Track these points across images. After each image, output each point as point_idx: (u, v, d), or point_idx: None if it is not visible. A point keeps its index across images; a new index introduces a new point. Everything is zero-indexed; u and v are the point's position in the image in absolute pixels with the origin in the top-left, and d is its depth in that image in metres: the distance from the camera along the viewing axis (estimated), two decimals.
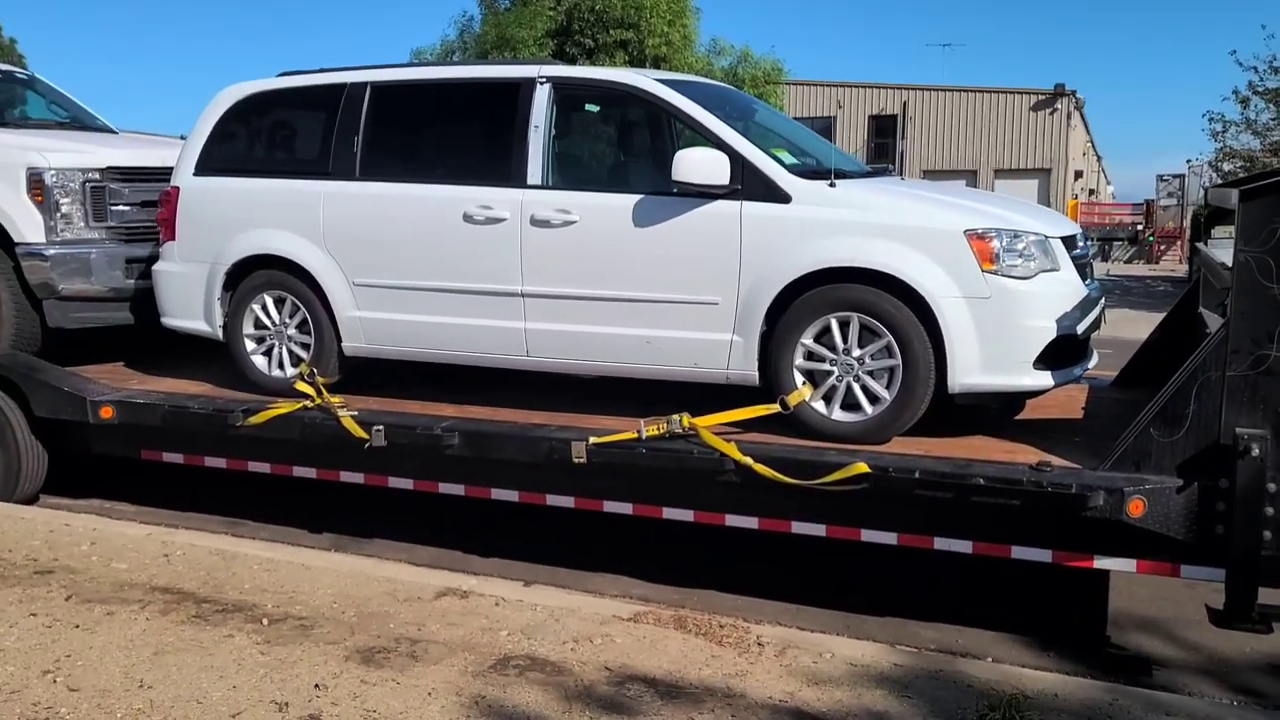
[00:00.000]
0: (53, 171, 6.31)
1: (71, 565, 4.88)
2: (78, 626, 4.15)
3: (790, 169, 4.89)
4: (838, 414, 4.75)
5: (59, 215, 6.35)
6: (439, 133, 5.85)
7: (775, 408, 4.76)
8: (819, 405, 4.77)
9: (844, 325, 4.67)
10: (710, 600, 5.06)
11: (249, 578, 4.81)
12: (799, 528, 4.79)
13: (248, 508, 6.39)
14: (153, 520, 6.11)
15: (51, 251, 6.31)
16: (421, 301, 5.52)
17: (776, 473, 4.51)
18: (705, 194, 4.84)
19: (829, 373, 4.72)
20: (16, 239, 6.33)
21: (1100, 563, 4.36)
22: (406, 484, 5.62)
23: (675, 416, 4.77)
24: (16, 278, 6.41)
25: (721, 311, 4.88)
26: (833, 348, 4.70)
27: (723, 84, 6.73)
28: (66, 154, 6.48)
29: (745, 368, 4.89)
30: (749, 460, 4.57)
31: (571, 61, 25.29)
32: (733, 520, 4.93)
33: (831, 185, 4.75)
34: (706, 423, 4.77)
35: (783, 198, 4.77)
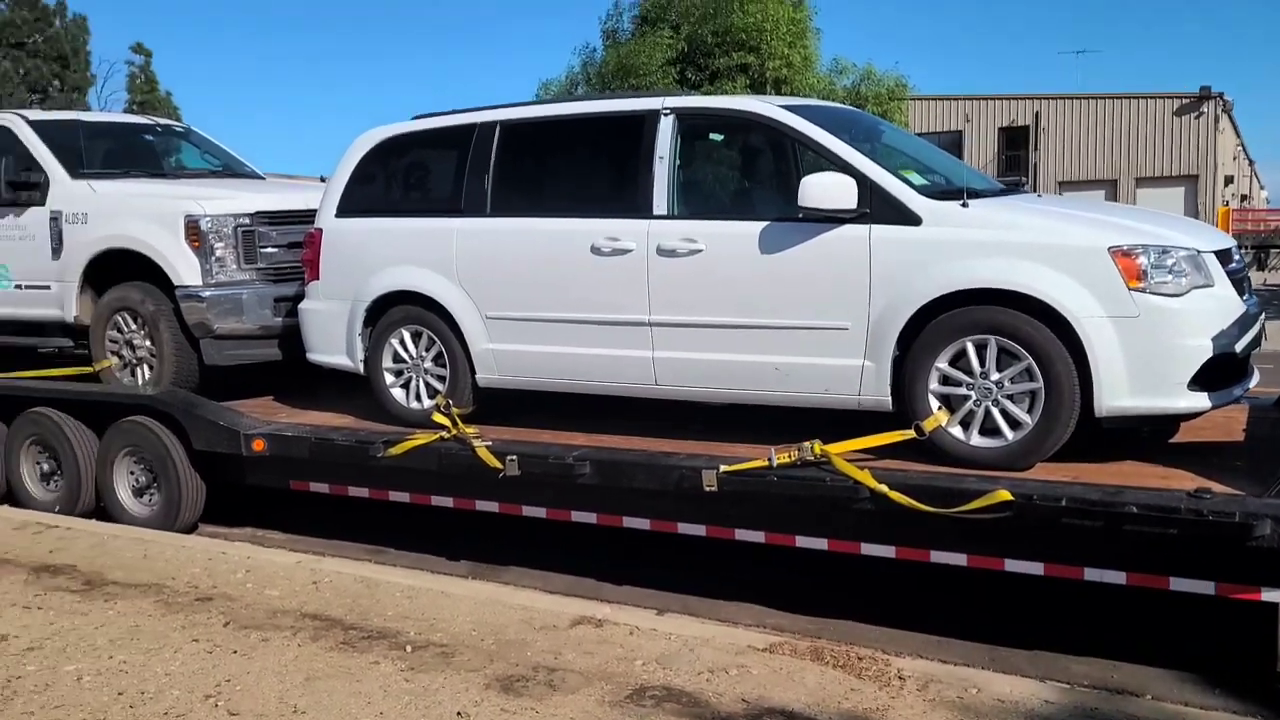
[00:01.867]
0: (208, 218, 6.68)
1: (229, 592, 5.11)
2: (235, 652, 4.34)
3: (920, 190, 4.81)
4: (976, 439, 4.61)
5: (214, 259, 6.71)
6: (566, 167, 5.97)
7: (910, 433, 4.66)
8: (956, 431, 4.64)
9: (981, 348, 4.54)
10: (847, 631, 4.96)
11: (392, 605, 4.95)
12: (938, 557, 4.66)
13: (389, 534, 6.59)
14: (301, 548, 6.35)
15: (207, 293, 6.67)
16: (551, 333, 5.61)
17: (913, 500, 4.41)
18: (832, 219, 4.78)
19: (966, 397, 4.60)
20: (176, 282, 6.72)
21: (1269, 595, 4.09)
22: (539, 512, 5.71)
23: (806, 444, 4.72)
24: (176, 318, 6.80)
25: (852, 337, 4.81)
26: (969, 371, 4.57)
27: (848, 106, 6.66)
28: (220, 201, 6.85)
29: (878, 393, 4.80)
30: (884, 488, 4.47)
31: (694, 87, 25.46)
32: (868, 549, 4.83)
33: (964, 205, 4.65)
34: (839, 450, 4.70)
35: (913, 220, 4.68)
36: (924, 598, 5.32)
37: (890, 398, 4.78)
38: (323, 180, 8.91)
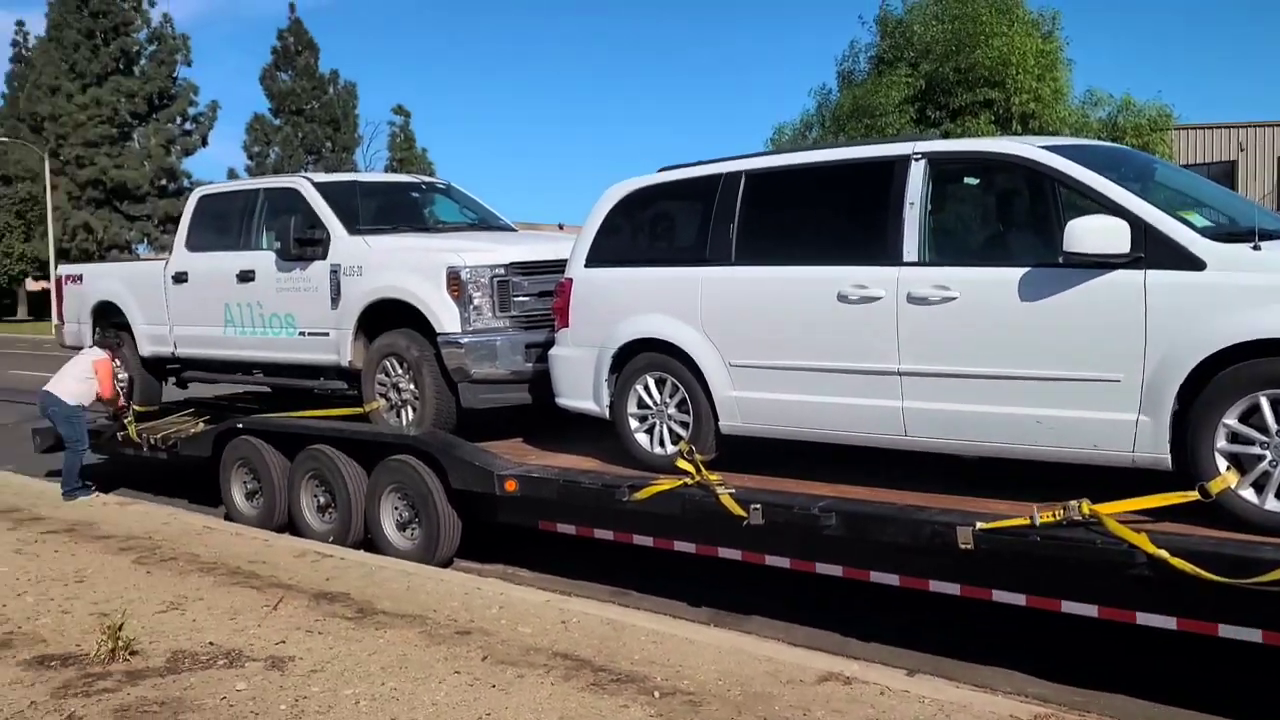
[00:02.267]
0: (467, 269, 7.09)
1: (485, 627, 5.34)
2: (494, 686, 4.52)
3: (1203, 232, 4.46)
4: (1272, 504, 4.19)
5: (471, 307, 7.11)
6: (811, 215, 5.93)
7: (1193, 495, 4.29)
8: (1248, 494, 4.23)
9: (1277, 404, 4.13)
10: (1119, 705, 4.60)
11: (638, 648, 5.01)
12: (1228, 631, 4.25)
13: (630, 575, 6.69)
14: (548, 586, 6.56)
15: (465, 340, 7.06)
16: (796, 381, 5.57)
17: (1198, 568, 4.05)
18: (1102, 264, 4.51)
19: (1260, 457, 4.19)
20: (437, 329, 7.15)
21: None
22: (783, 562, 5.65)
23: (1073, 502, 4.44)
24: (437, 363, 7.23)
25: (1124, 389, 4.49)
26: (1265, 429, 4.17)
27: (1114, 144, 6.29)
28: (477, 253, 7.26)
29: (1154, 450, 4.45)
30: (1164, 554, 4.14)
31: (932, 125, 24.84)
32: (1145, 619, 4.47)
33: (1256, 248, 4.26)
34: (1110, 510, 4.40)
35: (1195, 264, 4.34)
36: (1206, 670, 4.86)
37: (1169, 456, 4.42)
38: (561, 228, 9.32)
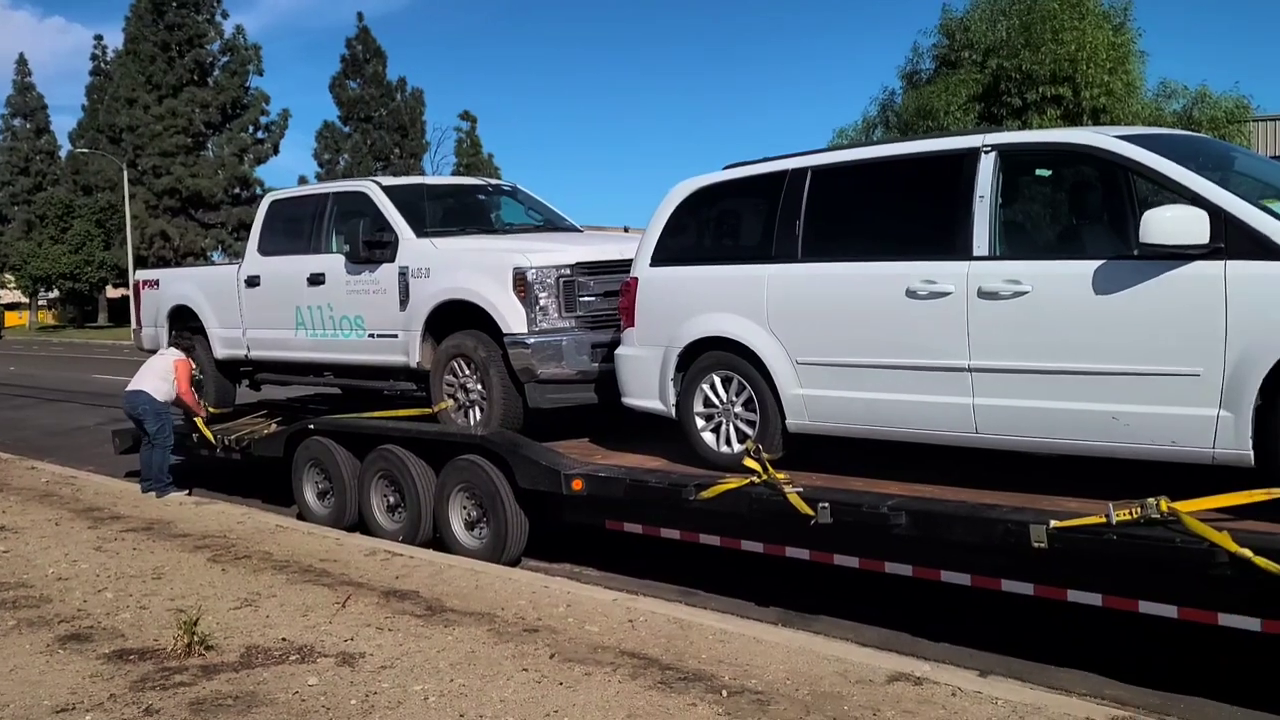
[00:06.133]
0: (533, 270, 7.13)
1: (552, 625, 5.37)
2: (561, 684, 4.53)
3: None
4: None
5: (538, 308, 7.14)
6: (879, 210, 5.85)
7: (1278, 493, 4.15)
8: None
9: None
10: (1200, 710, 4.47)
11: (705, 647, 4.99)
12: None
13: (697, 575, 6.67)
14: (615, 585, 6.57)
15: (532, 340, 7.11)
16: (864, 378, 5.51)
17: None
18: (1179, 255, 4.39)
19: None
20: (504, 330, 7.20)
21: None
22: (852, 562, 5.60)
23: (1151, 500, 4.33)
24: (504, 364, 7.29)
25: (1204, 384, 4.36)
26: None
27: (1193, 133, 6.12)
28: (543, 254, 7.29)
29: (1236, 446, 4.31)
30: (1247, 552, 4.01)
31: (997, 123, 24.39)
32: (1227, 620, 4.34)
33: None
34: (1189, 508, 4.27)
35: (1278, 254, 4.20)
36: None
37: (1252, 452, 4.28)
38: (627, 230, 9.34)
